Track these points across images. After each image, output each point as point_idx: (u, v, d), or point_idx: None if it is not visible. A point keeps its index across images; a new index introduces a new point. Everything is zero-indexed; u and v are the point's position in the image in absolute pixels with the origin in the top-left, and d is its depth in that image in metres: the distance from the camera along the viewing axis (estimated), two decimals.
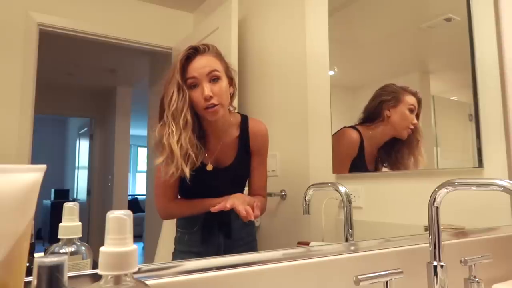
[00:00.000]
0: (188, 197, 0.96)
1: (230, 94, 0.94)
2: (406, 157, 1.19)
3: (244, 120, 0.99)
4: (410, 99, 1.20)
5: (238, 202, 0.88)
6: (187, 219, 0.97)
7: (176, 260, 0.85)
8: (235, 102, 1.07)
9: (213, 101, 0.88)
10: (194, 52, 0.88)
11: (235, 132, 0.98)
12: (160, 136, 0.87)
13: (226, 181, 0.96)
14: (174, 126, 0.85)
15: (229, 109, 0.96)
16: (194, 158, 0.86)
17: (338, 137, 1.15)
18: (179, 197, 0.95)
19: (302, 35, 1.21)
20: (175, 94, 0.86)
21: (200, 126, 0.92)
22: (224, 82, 0.91)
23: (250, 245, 1.01)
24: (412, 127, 1.18)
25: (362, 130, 1.17)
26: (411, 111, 1.19)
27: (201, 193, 0.95)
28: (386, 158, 1.19)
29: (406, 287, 0.75)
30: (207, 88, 0.87)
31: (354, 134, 1.17)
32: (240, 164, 0.97)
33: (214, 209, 0.87)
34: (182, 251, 0.94)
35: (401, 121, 1.19)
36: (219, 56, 0.92)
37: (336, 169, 1.12)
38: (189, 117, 0.86)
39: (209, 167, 0.94)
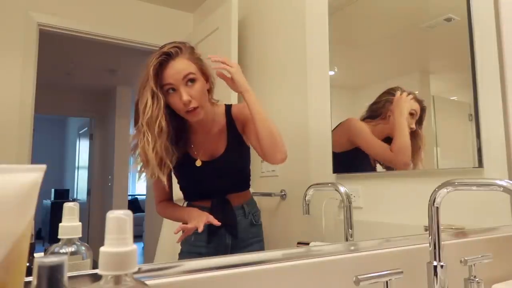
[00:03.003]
0: (185, 194, 0.96)
1: (208, 89, 0.93)
2: None
3: (228, 107, 0.99)
4: (414, 105, 1.21)
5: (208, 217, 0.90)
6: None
7: (176, 260, 0.85)
8: (235, 101, 1.07)
9: (192, 104, 0.88)
10: (166, 58, 0.87)
11: (222, 120, 0.98)
12: (135, 142, 0.88)
13: (221, 173, 0.96)
14: (149, 134, 0.85)
15: (212, 102, 0.96)
16: (169, 163, 0.87)
17: (343, 124, 1.17)
18: (183, 196, 0.96)
19: (302, 35, 1.21)
20: (149, 102, 0.85)
21: (186, 123, 0.93)
22: (200, 82, 0.90)
23: (257, 246, 1.00)
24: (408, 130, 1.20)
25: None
26: (411, 115, 1.20)
27: (195, 190, 0.95)
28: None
29: (406, 287, 0.75)
30: (185, 93, 0.87)
31: (360, 121, 1.20)
32: (232, 151, 0.96)
33: (182, 227, 0.89)
34: (188, 252, 0.94)
35: None
36: (192, 55, 0.91)
37: (336, 147, 1.13)
38: (164, 124, 0.86)
39: (198, 163, 0.94)
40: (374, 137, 1.19)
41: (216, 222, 0.89)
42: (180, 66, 0.88)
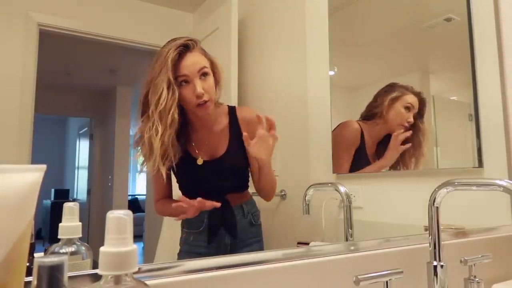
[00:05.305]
0: (184, 193, 0.96)
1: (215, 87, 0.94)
2: (407, 157, 1.19)
3: (232, 109, 1.00)
4: (409, 98, 1.20)
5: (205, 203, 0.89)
6: (192, 219, 0.96)
7: (176, 260, 0.85)
8: (235, 102, 1.07)
9: (205, 98, 0.89)
10: (184, 49, 0.88)
11: (224, 120, 0.98)
12: (141, 133, 0.87)
13: (221, 173, 0.96)
14: (159, 124, 0.85)
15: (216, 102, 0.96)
16: (172, 157, 0.87)
17: (340, 128, 1.16)
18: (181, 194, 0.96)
19: (302, 35, 1.21)
20: (165, 92, 0.85)
21: (188, 120, 0.93)
22: (211, 77, 0.91)
23: (256, 246, 1.00)
24: (406, 125, 1.19)
25: (361, 124, 1.19)
26: (407, 109, 1.20)
27: (194, 189, 0.95)
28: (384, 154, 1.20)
29: (406, 287, 0.75)
30: (198, 86, 0.88)
31: (355, 124, 1.19)
32: (233, 152, 0.96)
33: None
34: (187, 252, 0.94)
35: (395, 118, 1.20)
36: (203, 51, 0.92)
37: (338, 158, 1.13)
38: (176, 115, 0.86)
39: (200, 161, 0.94)
40: (343, 152, 1.18)
41: (210, 203, 0.88)
42: (196, 59, 0.89)
